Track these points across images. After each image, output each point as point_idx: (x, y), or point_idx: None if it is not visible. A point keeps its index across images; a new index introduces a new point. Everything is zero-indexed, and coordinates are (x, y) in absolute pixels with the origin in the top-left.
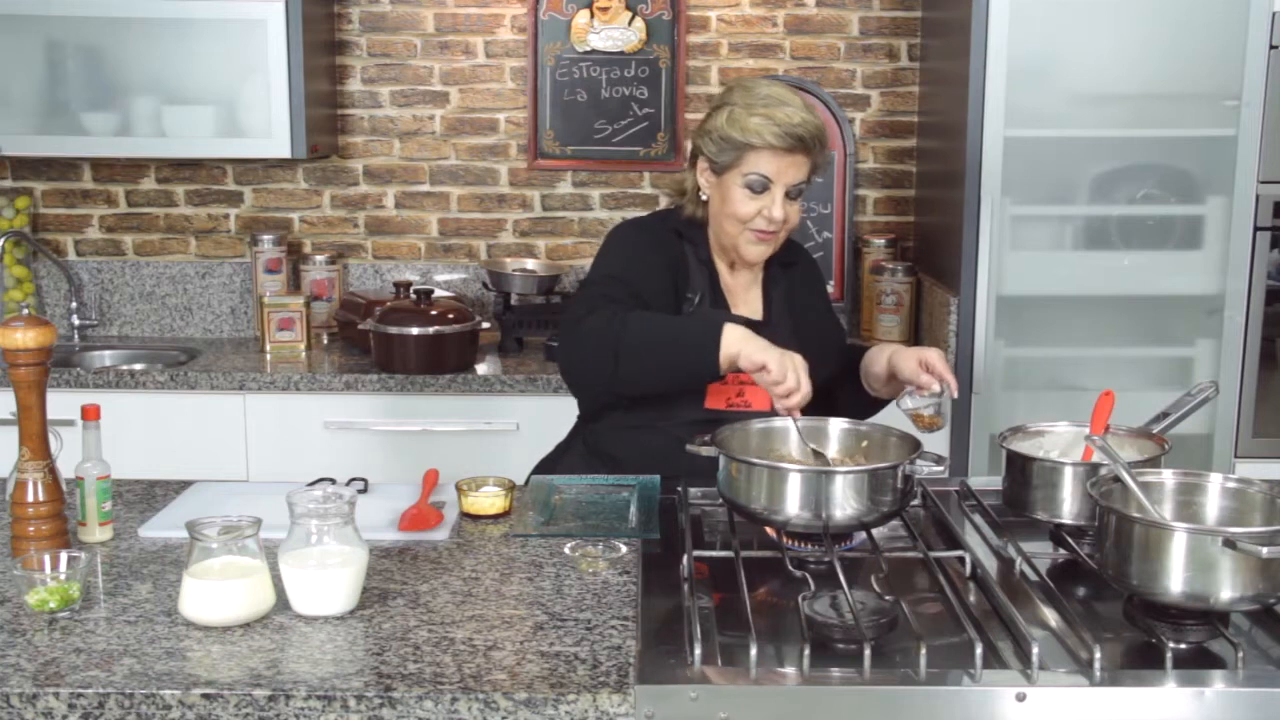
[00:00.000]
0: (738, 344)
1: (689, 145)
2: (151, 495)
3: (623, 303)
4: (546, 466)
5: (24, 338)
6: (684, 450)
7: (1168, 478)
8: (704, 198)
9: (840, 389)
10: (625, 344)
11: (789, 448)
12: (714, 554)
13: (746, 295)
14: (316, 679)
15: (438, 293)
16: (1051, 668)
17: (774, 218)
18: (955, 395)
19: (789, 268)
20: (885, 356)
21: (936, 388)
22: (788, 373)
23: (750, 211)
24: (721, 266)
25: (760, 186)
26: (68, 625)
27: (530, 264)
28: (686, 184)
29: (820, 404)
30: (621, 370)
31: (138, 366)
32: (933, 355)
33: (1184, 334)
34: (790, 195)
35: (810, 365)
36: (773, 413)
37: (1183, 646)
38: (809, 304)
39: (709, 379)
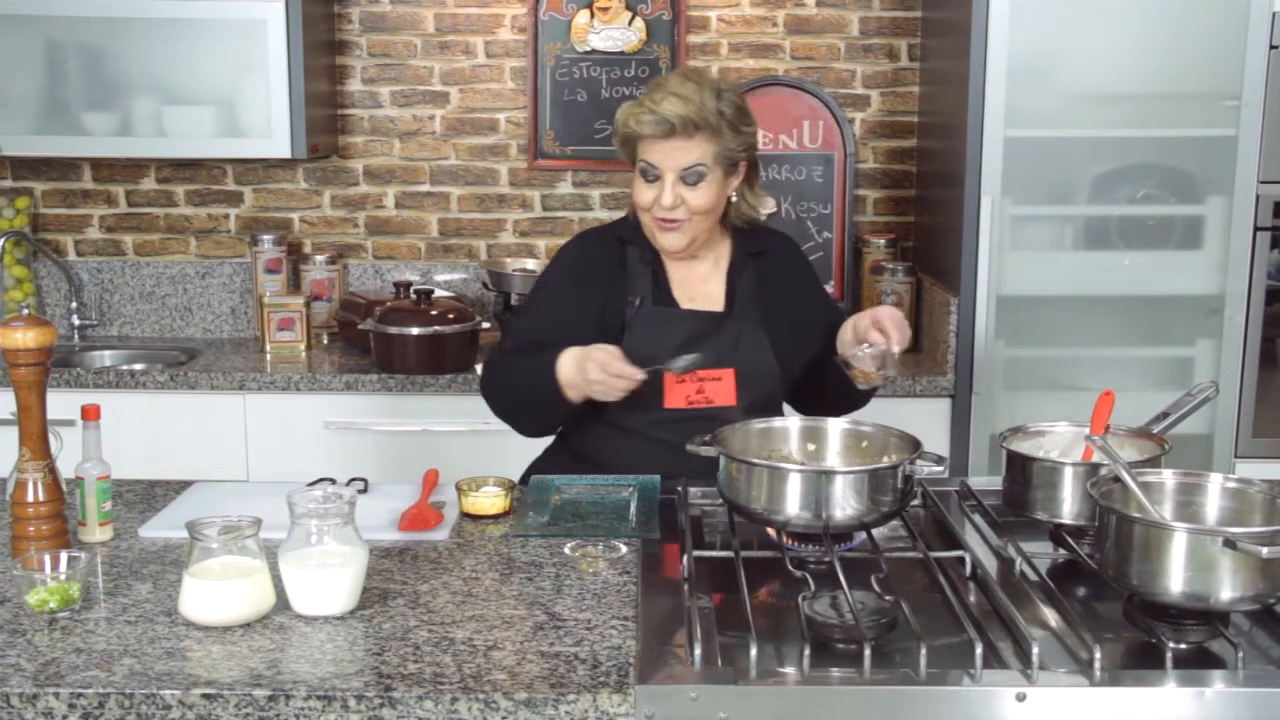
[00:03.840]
0: (565, 377)
1: None
2: (151, 495)
3: (523, 352)
4: (535, 470)
5: (24, 338)
6: (660, 451)
7: (1168, 478)
8: None
9: (825, 373)
10: (504, 404)
11: (790, 448)
12: (714, 554)
13: (705, 287)
14: (316, 679)
15: (438, 293)
16: (1051, 668)
17: (663, 203)
18: (897, 350)
19: (758, 256)
20: (850, 324)
21: (880, 342)
22: (594, 386)
23: (647, 200)
24: (673, 262)
25: (651, 175)
26: (68, 625)
27: (530, 264)
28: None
29: (807, 389)
30: (518, 424)
31: (138, 366)
32: (883, 311)
33: (1184, 334)
34: (687, 181)
35: (782, 353)
36: (759, 414)
37: (1183, 646)
38: (784, 291)
39: (576, 412)
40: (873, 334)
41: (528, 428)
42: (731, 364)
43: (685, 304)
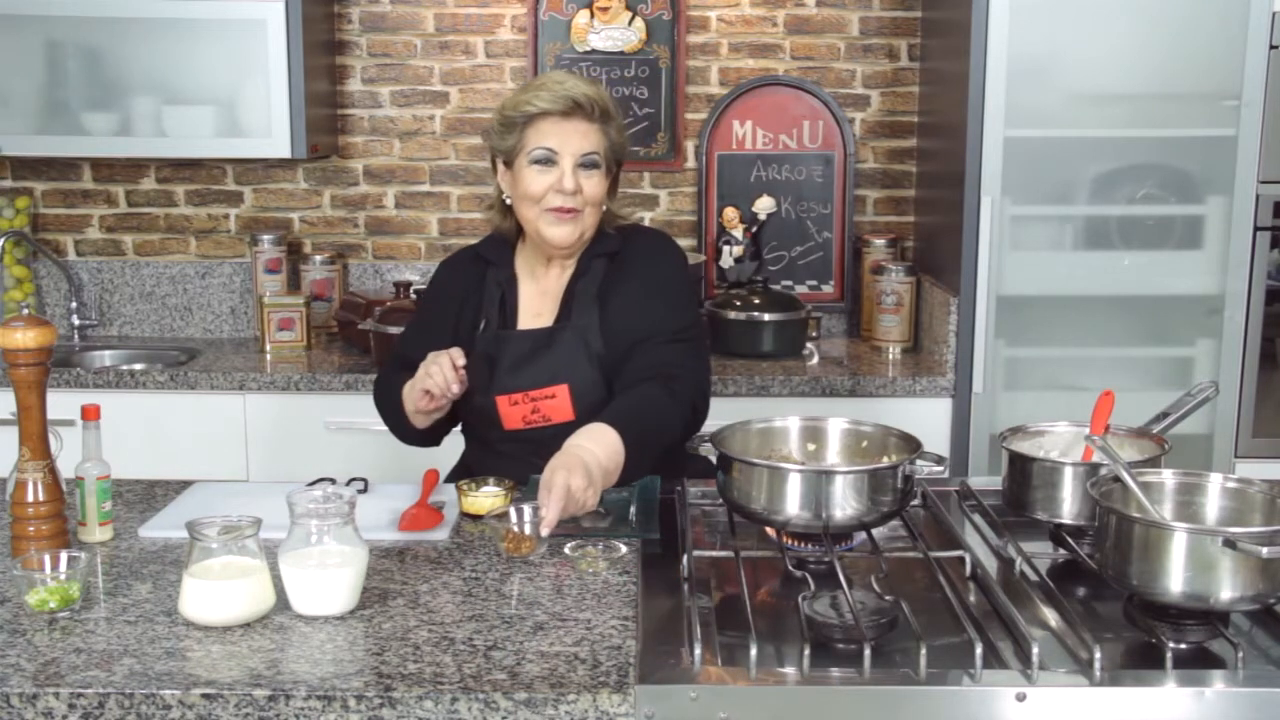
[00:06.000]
0: (406, 390)
1: (491, 156)
2: (151, 495)
3: (397, 371)
4: (452, 478)
5: (24, 338)
6: (511, 463)
7: (1168, 478)
8: (507, 201)
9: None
10: (385, 418)
11: (790, 448)
12: (714, 554)
13: (554, 301)
14: (316, 679)
15: None
16: (1051, 668)
17: (565, 188)
18: (543, 532)
19: (612, 257)
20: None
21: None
22: (426, 379)
23: (542, 188)
24: (528, 278)
25: (546, 159)
26: (68, 625)
27: None
28: (494, 197)
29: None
30: (397, 435)
31: (138, 366)
32: (557, 478)
33: (1184, 334)
34: (584, 166)
35: (614, 359)
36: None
37: (1183, 646)
38: (625, 288)
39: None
40: (542, 494)
41: (403, 437)
42: (564, 380)
43: (532, 323)
